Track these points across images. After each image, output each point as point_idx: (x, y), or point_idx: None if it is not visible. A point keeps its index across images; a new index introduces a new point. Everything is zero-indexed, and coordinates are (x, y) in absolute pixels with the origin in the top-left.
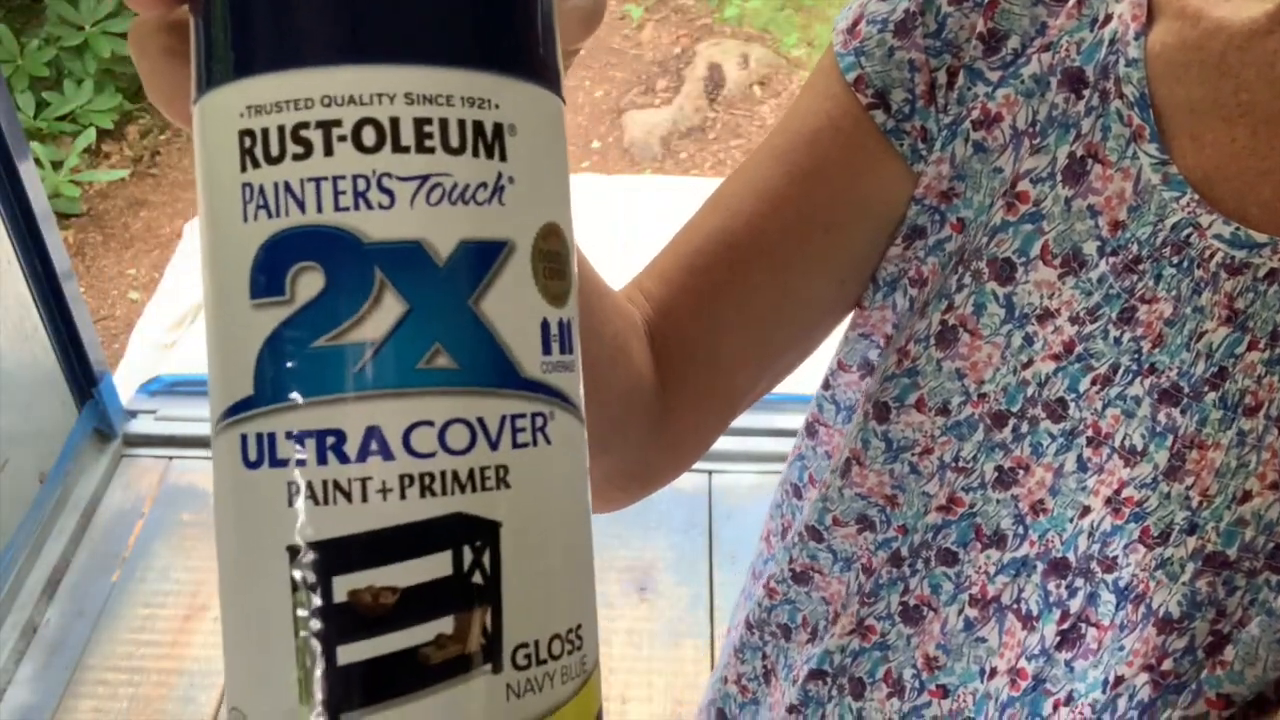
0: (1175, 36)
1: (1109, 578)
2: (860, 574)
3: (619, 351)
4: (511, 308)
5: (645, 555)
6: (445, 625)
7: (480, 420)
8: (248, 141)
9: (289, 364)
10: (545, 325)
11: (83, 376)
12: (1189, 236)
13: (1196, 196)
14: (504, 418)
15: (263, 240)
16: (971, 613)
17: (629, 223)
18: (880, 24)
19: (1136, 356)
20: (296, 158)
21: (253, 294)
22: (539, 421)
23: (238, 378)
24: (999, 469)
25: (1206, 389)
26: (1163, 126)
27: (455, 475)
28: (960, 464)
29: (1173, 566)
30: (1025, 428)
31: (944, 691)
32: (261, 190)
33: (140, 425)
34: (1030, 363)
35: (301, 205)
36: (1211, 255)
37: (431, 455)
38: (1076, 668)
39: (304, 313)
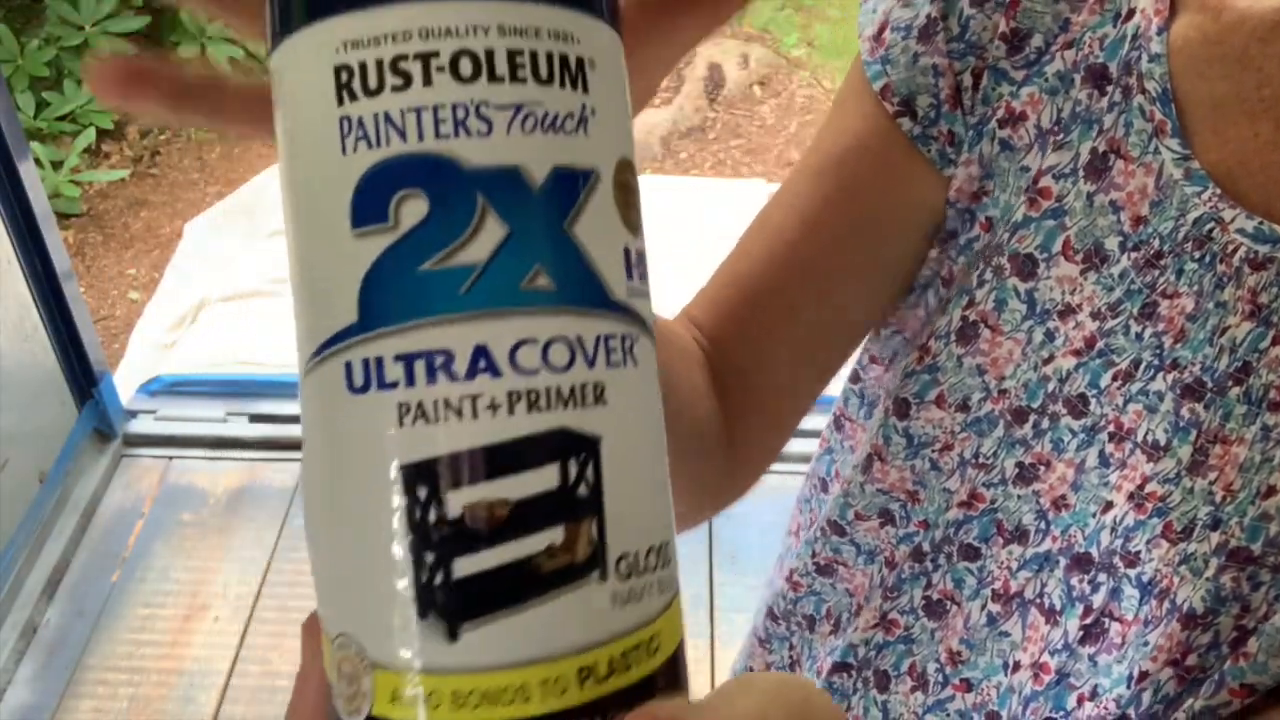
0: (1197, 30)
1: (1131, 573)
2: (883, 567)
3: (693, 392)
4: (599, 233)
5: None
6: (555, 535)
7: (579, 339)
8: (345, 76)
9: (395, 289)
10: (627, 251)
11: (83, 376)
12: (1211, 231)
13: (1219, 191)
14: (599, 337)
15: (364, 170)
16: (994, 607)
17: None
18: (904, 30)
19: (1158, 352)
20: (396, 89)
21: (355, 223)
22: (627, 343)
23: (338, 308)
24: (1020, 465)
25: (1230, 384)
26: (1185, 121)
27: (558, 391)
28: (980, 460)
29: (1196, 562)
30: (1046, 424)
31: (968, 685)
32: (361, 122)
33: (140, 425)
34: (1051, 358)
35: (403, 134)
36: (1234, 250)
37: (536, 372)
38: (1100, 662)
39: (409, 238)
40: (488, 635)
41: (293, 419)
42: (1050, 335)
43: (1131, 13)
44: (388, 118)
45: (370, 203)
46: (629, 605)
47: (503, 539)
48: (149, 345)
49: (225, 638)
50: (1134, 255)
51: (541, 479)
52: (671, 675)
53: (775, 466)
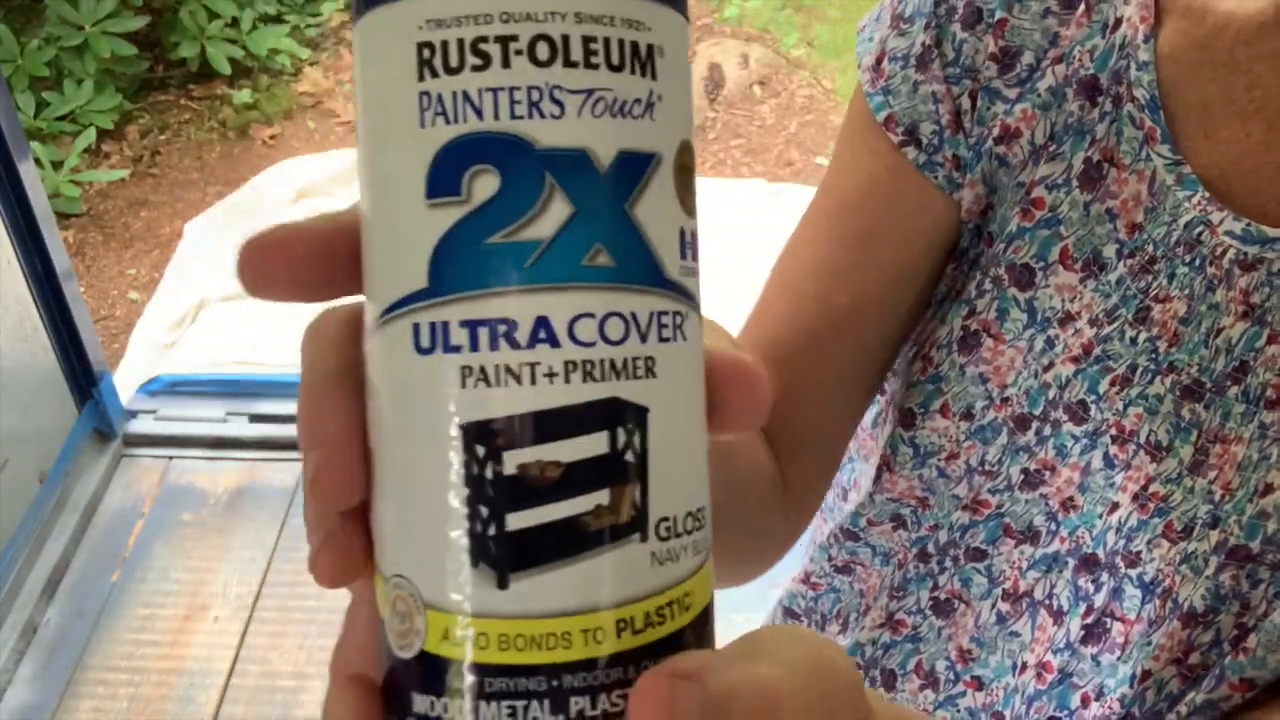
0: (1183, 36)
1: (1133, 572)
2: (896, 569)
3: (757, 456)
4: (658, 214)
5: None
6: (602, 497)
7: (633, 315)
8: (426, 53)
9: (463, 259)
10: (682, 232)
11: (83, 376)
12: (1200, 234)
13: (1207, 195)
14: (652, 314)
15: (440, 145)
16: (1004, 607)
17: None
18: (902, 60)
19: (1154, 356)
20: (475, 69)
21: (429, 194)
22: (678, 319)
23: (409, 272)
24: (1024, 471)
25: (1228, 384)
26: (1175, 127)
27: (612, 363)
28: (986, 467)
29: (1196, 561)
30: (1048, 430)
31: (979, 683)
32: (440, 98)
33: (140, 425)
34: (1051, 365)
35: (479, 113)
36: (1224, 252)
37: (592, 344)
38: (1102, 661)
39: (479, 212)
40: (535, 585)
41: (293, 419)
42: (1050, 343)
43: (1119, 22)
44: (465, 96)
45: (444, 176)
46: (666, 564)
47: (553, 498)
48: (149, 345)
49: (225, 638)
50: (1129, 262)
51: (592, 444)
52: (700, 631)
53: None
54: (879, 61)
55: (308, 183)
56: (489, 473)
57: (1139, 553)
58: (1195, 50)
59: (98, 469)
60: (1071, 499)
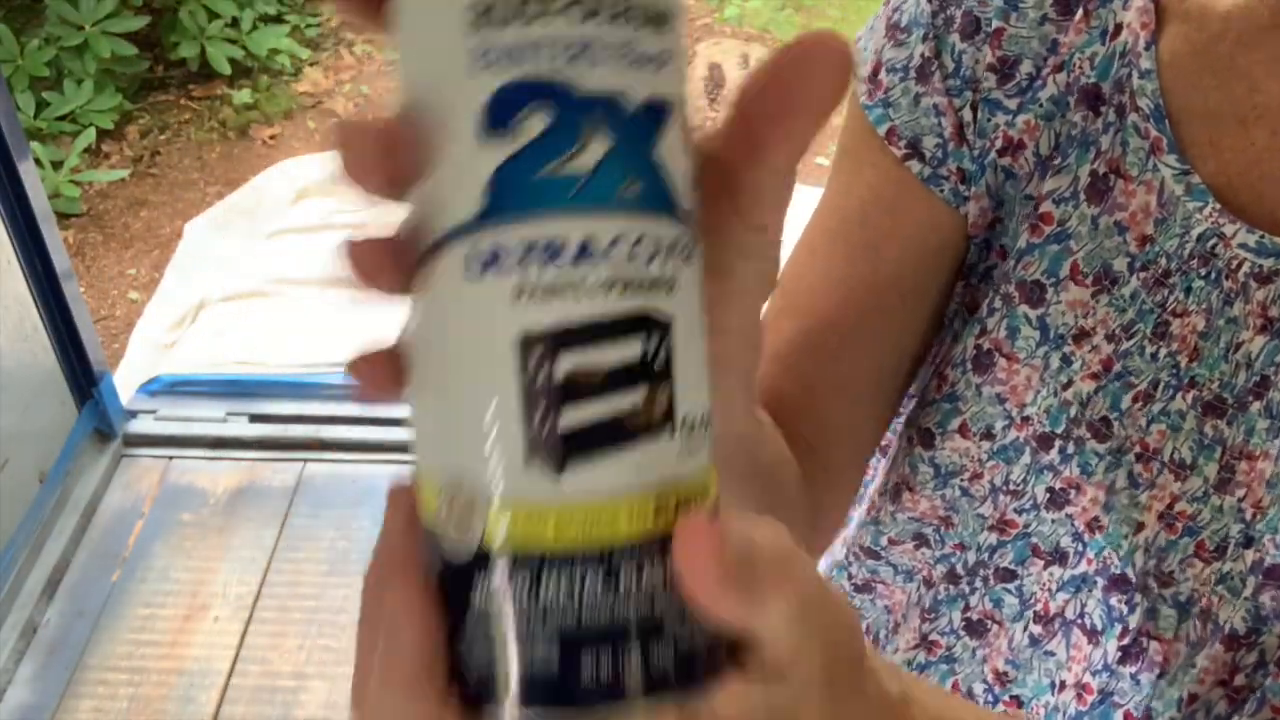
0: (1184, 41)
1: (1166, 592)
2: (921, 586)
3: (789, 464)
4: (675, 154)
5: None
6: (638, 398)
7: (659, 238)
8: (481, 7)
9: (514, 190)
10: (688, 170)
11: (83, 376)
12: (1214, 247)
13: (1219, 206)
14: (674, 238)
15: (493, 88)
16: (1036, 629)
17: None
18: (901, 72)
19: (1175, 371)
20: (525, 20)
21: (481, 133)
22: (690, 244)
23: (462, 202)
24: (1050, 490)
25: (1251, 399)
26: (1180, 135)
27: (643, 280)
28: (1011, 487)
29: (1233, 581)
30: (1071, 448)
31: (1018, 703)
32: (493, 47)
33: (140, 425)
34: (1070, 383)
35: (528, 60)
36: (1239, 265)
37: (627, 262)
38: (1142, 680)
39: (529, 148)
40: (584, 475)
41: (293, 419)
42: (1067, 360)
43: (1119, 29)
44: (516, 44)
45: (496, 116)
46: (689, 457)
47: (597, 398)
48: (149, 345)
49: (225, 638)
50: (1143, 275)
51: (627, 352)
52: (714, 515)
53: None
54: (875, 73)
55: (308, 183)
56: (542, 379)
57: (1171, 573)
58: (1196, 56)
59: (98, 469)
60: (1097, 519)
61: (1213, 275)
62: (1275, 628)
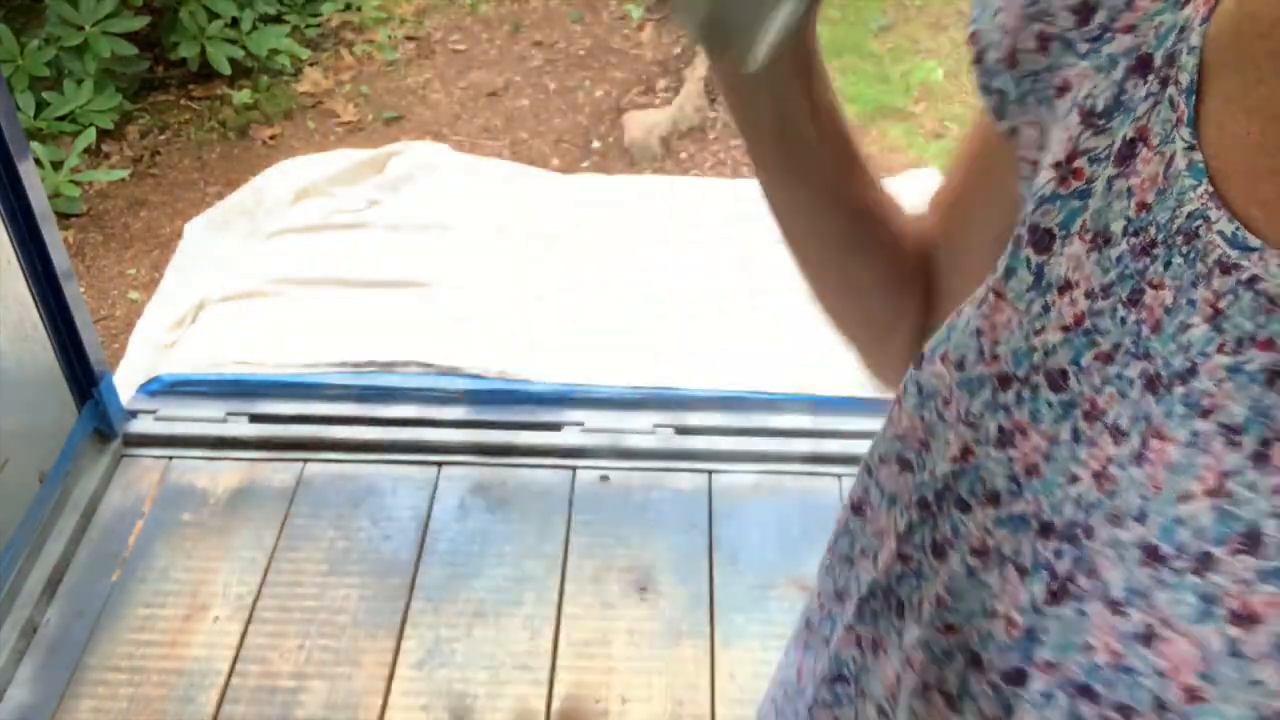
0: (1227, 20)
1: (1093, 544)
2: (902, 512)
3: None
4: None
5: (645, 555)
6: None
7: None
8: None
9: None
10: None
11: (83, 376)
12: (1199, 228)
13: (1210, 189)
14: None
15: None
16: (973, 561)
17: (629, 222)
18: None
19: (1136, 340)
20: None
21: None
22: None
23: None
24: (1000, 428)
25: (1177, 383)
26: (1201, 113)
27: None
28: (970, 418)
29: (1122, 549)
30: (1027, 393)
31: (950, 629)
32: None
33: (140, 425)
34: (1042, 330)
35: None
36: (1212, 251)
37: None
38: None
39: None
40: None
41: (293, 419)
42: (1046, 309)
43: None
44: None
45: None
46: None
47: None
48: (149, 345)
49: (225, 638)
50: (1132, 241)
51: None
52: None
53: (775, 466)
54: None
55: (308, 183)
56: None
57: (1093, 529)
58: (1230, 37)
59: (98, 469)
60: (1036, 465)
61: (1191, 255)
62: (1138, 604)
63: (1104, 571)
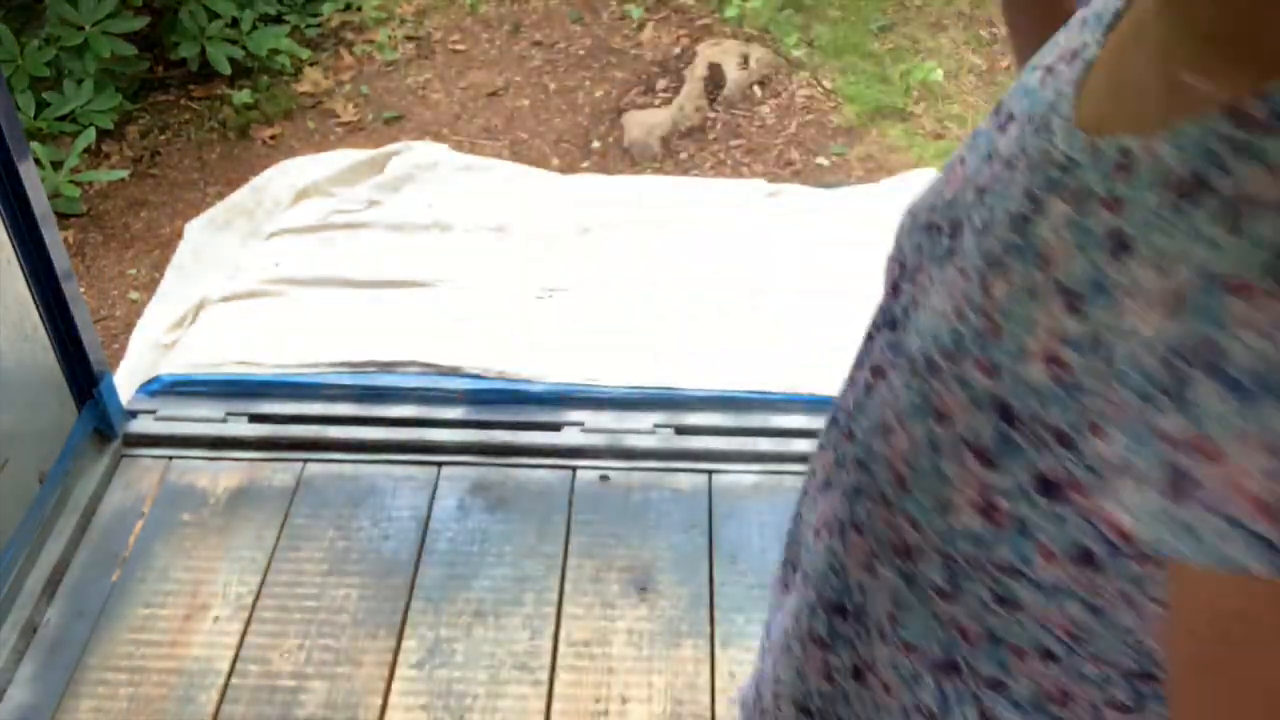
0: None
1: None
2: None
3: None
4: None
5: (645, 555)
6: None
7: None
8: None
9: None
10: None
11: (83, 376)
12: (1050, 121)
13: (1082, 78)
14: None
15: None
16: (869, 378)
17: (629, 223)
18: None
19: (967, 206)
20: None
21: None
22: None
23: None
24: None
25: (972, 240)
26: (1114, 22)
27: None
28: (900, 255)
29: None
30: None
31: (851, 436)
32: None
33: (140, 425)
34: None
35: None
36: (1051, 135)
37: None
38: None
39: None
40: None
41: (293, 419)
42: (954, 163)
43: None
44: None
45: None
46: None
47: None
48: (149, 345)
49: (225, 638)
50: (1017, 104)
51: None
52: None
53: (775, 466)
54: None
55: (308, 183)
56: None
57: (902, 342)
58: None
59: (98, 469)
60: (917, 300)
61: (1042, 134)
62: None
63: (889, 373)
